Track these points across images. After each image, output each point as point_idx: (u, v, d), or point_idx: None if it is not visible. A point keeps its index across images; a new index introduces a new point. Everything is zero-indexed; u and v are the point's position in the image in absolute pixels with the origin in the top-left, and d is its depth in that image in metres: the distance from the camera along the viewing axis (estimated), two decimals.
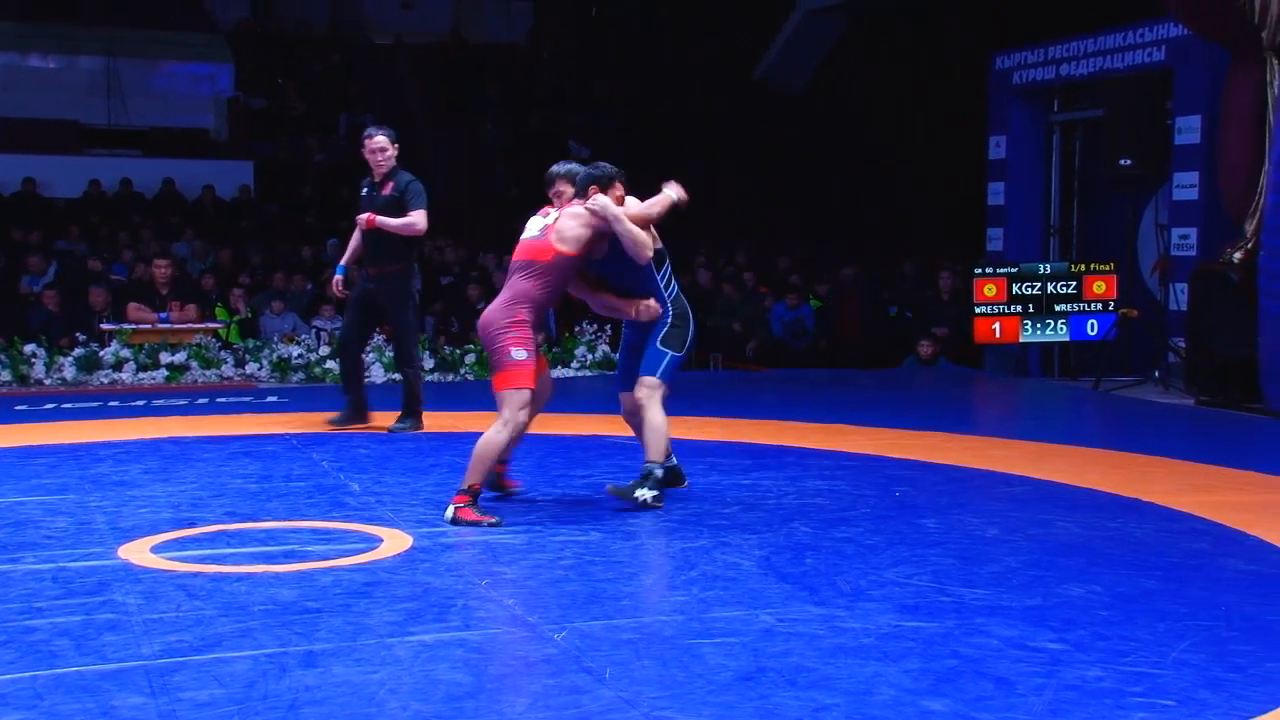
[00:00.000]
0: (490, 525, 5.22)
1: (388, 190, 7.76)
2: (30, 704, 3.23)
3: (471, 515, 5.26)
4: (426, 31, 21.71)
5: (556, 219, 5.53)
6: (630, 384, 5.76)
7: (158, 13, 20.13)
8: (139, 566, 4.62)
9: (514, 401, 5.36)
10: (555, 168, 5.82)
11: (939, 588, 4.37)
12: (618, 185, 5.63)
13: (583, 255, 5.52)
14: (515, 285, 5.49)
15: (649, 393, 5.61)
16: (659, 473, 5.59)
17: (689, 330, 5.73)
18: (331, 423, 7.97)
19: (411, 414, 7.92)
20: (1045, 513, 5.61)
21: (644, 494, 5.51)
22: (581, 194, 5.60)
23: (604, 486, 5.79)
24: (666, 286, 5.75)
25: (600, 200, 5.50)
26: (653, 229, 5.70)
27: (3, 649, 3.65)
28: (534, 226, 5.60)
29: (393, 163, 7.77)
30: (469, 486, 5.33)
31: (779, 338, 13.74)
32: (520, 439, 5.64)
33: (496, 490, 5.76)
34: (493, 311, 5.49)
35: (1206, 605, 4.18)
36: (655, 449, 5.60)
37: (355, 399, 8.04)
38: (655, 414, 5.59)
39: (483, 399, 5.67)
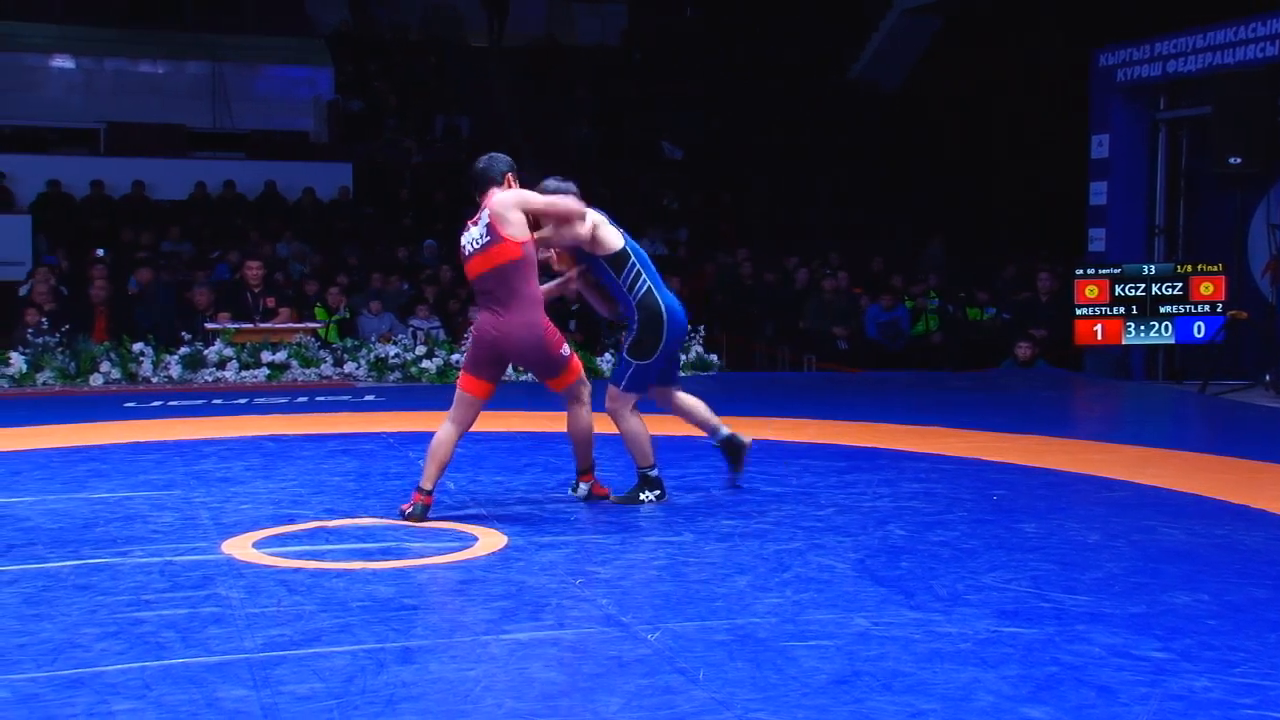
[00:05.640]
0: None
1: None
2: (139, 694, 3.32)
3: (603, 490, 5.78)
4: (520, 33, 21.90)
5: (490, 216, 5.34)
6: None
7: (260, 18, 20.57)
8: (241, 561, 4.71)
9: (583, 383, 5.58)
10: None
11: (1039, 593, 4.29)
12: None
13: (534, 240, 5.41)
14: (519, 295, 5.34)
15: (614, 406, 5.68)
16: (652, 474, 5.75)
17: (662, 332, 5.61)
18: None
19: None
20: (1149, 519, 5.48)
21: (646, 496, 5.73)
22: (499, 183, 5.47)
23: (697, 488, 5.82)
24: (633, 286, 5.63)
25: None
26: (610, 228, 5.62)
27: (113, 639, 3.75)
28: (477, 237, 5.39)
29: None
30: (590, 466, 5.77)
31: (873, 339, 13.62)
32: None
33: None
34: (517, 330, 5.33)
35: None
36: (640, 456, 5.73)
37: None
38: (627, 424, 5.69)
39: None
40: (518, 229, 5.34)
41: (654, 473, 5.75)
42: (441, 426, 5.49)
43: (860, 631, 3.86)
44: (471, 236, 5.43)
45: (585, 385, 5.63)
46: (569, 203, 5.50)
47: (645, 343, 5.64)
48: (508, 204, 5.37)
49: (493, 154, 5.59)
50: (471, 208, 5.60)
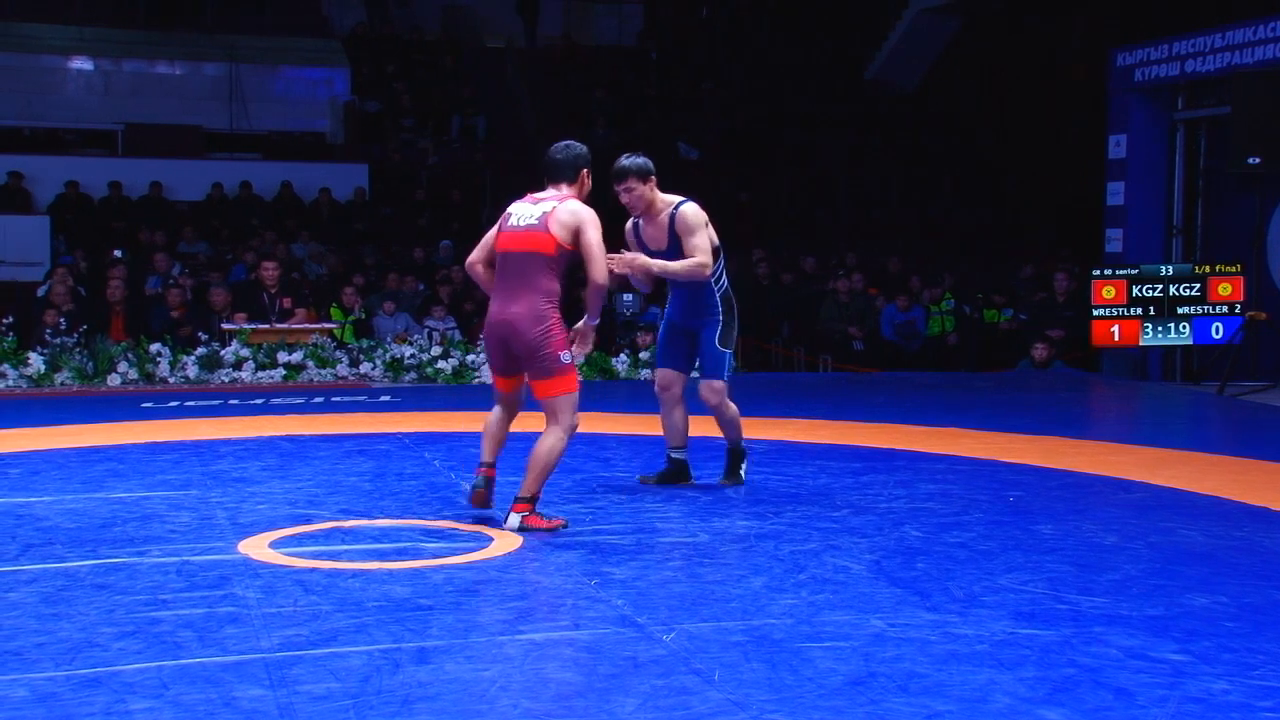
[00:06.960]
0: (561, 528, 5.18)
1: None
2: (157, 693, 3.33)
3: (540, 522, 5.19)
4: (538, 33, 21.92)
5: (553, 214, 5.27)
6: (670, 361, 6.13)
7: (277, 19, 20.64)
8: (258, 561, 4.72)
9: (569, 405, 5.26)
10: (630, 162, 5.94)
11: (1055, 595, 4.27)
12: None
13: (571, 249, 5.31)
14: (537, 286, 5.22)
15: (719, 398, 6.04)
16: (743, 446, 6.27)
17: (736, 322, 6.11)
18: None
19: None
20: (1166, 520, 5.46)
21: (744, 467, 6.25)
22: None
23: (713, 488, 5.85)
24: (719, 280, 6.05)
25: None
26: (710, 229, 5.99)
27: (131, 639, 3.77)
28: (527, 215, 5.32)
29: None
30: (531, 496, 5.24)
31: (889, 339, 13.59)
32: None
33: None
34: (525, 320, 5.19)
35: None
36: (737, 434, 6.22)
37: None
38: (730, 409, 6.12)
39: (597, 400, 5.70)
40: (564, 234, 5.26)
41: (744, 444, 6.26)
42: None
43: (876, 633, 3.85)
44: (522, 213, 5.35)
45: (574, 416, 5.26)
46: (603, 265, 5.29)
47: (730, 332, 6.06)
48: (571, 223, 5.25)
49: (570, 143, 5.51)
50: (491, 210, 5.59)
